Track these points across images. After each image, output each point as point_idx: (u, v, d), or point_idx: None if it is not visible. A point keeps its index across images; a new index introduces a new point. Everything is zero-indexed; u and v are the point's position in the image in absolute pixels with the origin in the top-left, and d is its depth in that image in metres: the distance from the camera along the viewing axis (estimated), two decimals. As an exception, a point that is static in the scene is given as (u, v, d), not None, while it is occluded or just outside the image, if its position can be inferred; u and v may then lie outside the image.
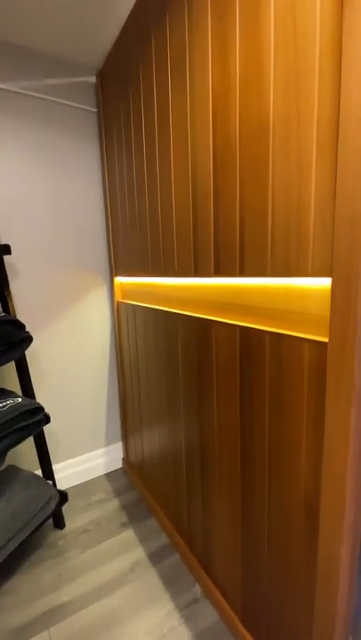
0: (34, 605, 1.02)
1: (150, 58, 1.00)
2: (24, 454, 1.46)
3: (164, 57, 0.93)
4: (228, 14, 0.69)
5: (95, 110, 1.45)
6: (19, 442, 1.06)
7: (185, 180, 0.90)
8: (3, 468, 1.28)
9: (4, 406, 1.06)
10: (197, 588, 1.05)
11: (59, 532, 1.31)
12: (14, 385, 1.35)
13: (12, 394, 1.17)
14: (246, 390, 0.76)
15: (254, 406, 0.74)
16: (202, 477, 1.00)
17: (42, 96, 1.32)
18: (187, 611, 0.99)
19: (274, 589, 0.76)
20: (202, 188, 0.84)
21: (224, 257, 0.79)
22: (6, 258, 1.32)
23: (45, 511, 1.18)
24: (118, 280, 1.53)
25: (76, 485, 1.59)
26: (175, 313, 1.03)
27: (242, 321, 0.78)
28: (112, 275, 1.55)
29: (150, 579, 1.09)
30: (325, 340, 0.56)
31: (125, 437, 1.66)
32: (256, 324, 0.74)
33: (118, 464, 1.73)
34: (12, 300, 1.25)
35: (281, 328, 0.67)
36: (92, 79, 1.44)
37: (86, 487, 1.58)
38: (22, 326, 1.15)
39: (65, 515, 1.39)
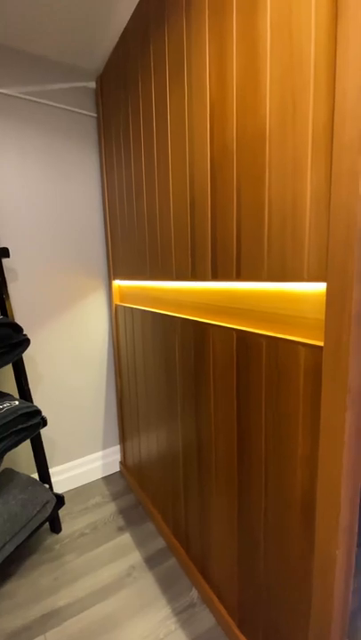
0: (30, 610, 1.02)
1: (149, 64, 1.01)
2: (21, 457, 1.45)
3: (162, 63, 0.94)
4: (225, 22, 0.70)
5: (95, 115, 1.46)
6: (15, 445, 1.06)
7: (182, 184, 0.91)
8: (-1, 471, 1.28)
9: (0, 409, 1.06)
10: (194, 592, 1.05)
11: (55, 536, 1.30)
12: (11, 388, 1.35)
13: (8, 396, 1.17)
14: (243, 394, 0.77)
15: (251, 410, 0.74)
16: (199, 481, 1.00)
17: (42, 101, 1.33)
18: (183, 615, 0.99)
19: (270, 593, 0.76)
20: (199, 193, 0.85)
21: (221, 261, 0.79)
22: (5, 261, 1.32)
23: (42, 515, 1.18)
24: (116, 283, 1.54)
25: (74, 489, 1.59)
26: (173, 316, 1.04)
27: (239, 324, 0.79)
28: (110, 278, 1.55)
29: (147, 583, 1.09)
30: (321, 343, 0.57)
31: (123, 441, 1.66)
32: (253, 327, 0.74)
33: (116, 467, 1.72)
34: (10, 302, 1.25)
35: (277, 332, 0.68)
36: (92, 84, 1.45)
37: (83, 491, 1.57)
38: (20, 329, 1.15)
39: (62, 518, 1.38)
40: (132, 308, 1.35)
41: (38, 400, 1.47)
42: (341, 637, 0.67)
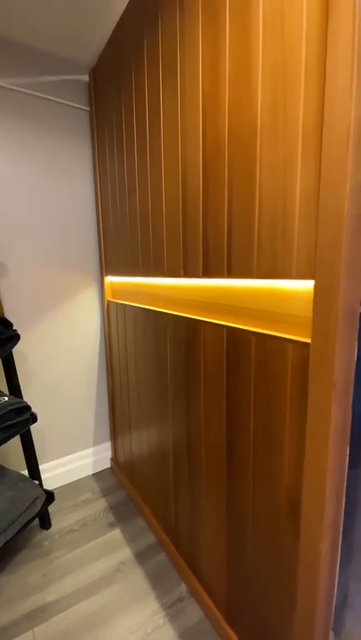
0: (18, 606, 1.01)
1: (142, 58, 1.01)
2: (10, 453, 1.44)
3: (156, 57, 0.94)
4: (218, 18, 0.70)
5: (87, 109, 1.44)
6: (4, 441, 1.05)
7: (175, 180, 0.91)
8: (-12, 467, 1.27)
9: (-11, 405, 1.05)
10: (183, 587, 1.06)
11: (45, 533, 1.30)
12: (1, 384, 1.34)
13: (-2, 392, 1.16)
14: (232, 390, 0.77)
15: (240, 406, 0.75)
16: (189, 477, 1.00)
17: (34, 93, 1.31)
18: (172, 609, 0.99)
19: (257, 587, 0.77)
20: (191, 190, 0.84)
21: (212, 258, 0.80)
22: (-5, 255, 1.31)
23: (31, 511, 1.17)
24: (108, 279, 1.53)
25: (64, 485, 1.58)
26: (164, 313, 1.03)
27: (229, 321, 0.79)
28: (102, 274, 1.55)
29: (136, 578, 1.10)
30: (308, 340, 0.57)
31: (114, 437, 1.66)
32: (243, 324, 0.75)
33: (107, 464, 1.72)
34: (-1, 297, 1.24)
35: (266, 329, 0.68)
36: (85, 77, 1.44)
37: (74, 487, 1.57)
38: (9, 324, 1.14)
39: (52, 515, 1.38)
40: (124, 304, 1.34)
41: (29, 396, 1.46)
42: (326, 630, 0.68)
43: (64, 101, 1.38)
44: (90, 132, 1.47)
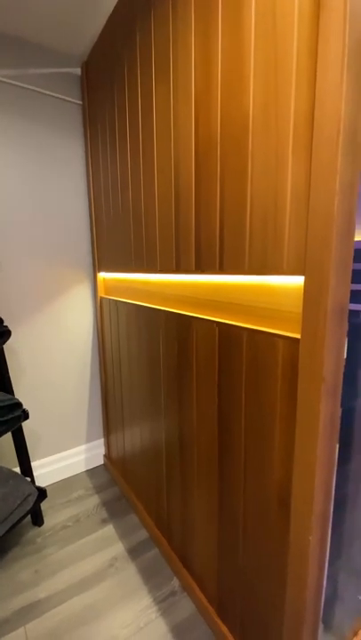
0: (9, 602, 1.01)
1: (135, 51, 1.00)
2: (2, 451, 1.43)
3: (148, 51, 0.93)
4: (211, 13, 0.69)
5: (80, 102, 1.43)
6: (-4, 438, 1.05)
7: (168, 176, 0.90)
8: (-21, 465, 1.26)
9: (-20, 402, 1.04)
10: (175, 582, 1.07)
11: (37, 529, 1.29)
12: (-7, 380, 1.33)
13: (-11, 389, 1.15)
14: (224, 386, 0.77)
15: (231, 401, 0.75)
16: (181, 472, 1.01)
17: (25, 85, 1.29)
18: (164, 604, 1.00)
19: (248, 580, 0.78)
20: (184, 185, 0.84)
21: (205, 253, 0.80)
22: (-15, 250, 1.29)
23: (23, 508, 1.17)
24: (101, 275, 1.52)
25: (57, 482, 1.58)
26: (157, 309, 1.03)
27: (221, 317, 0.79)
28: (95, 270, 1.54)
29: (129, 574, 1.10)
30: (298, 336, 0.58)
31: (107, 434, 1.66)
32: (234, 320, 0.75)
33: (100, 460, 1.72)
34: (-10, 293, 1.22)
35: (257, 324, 0.69)
36: (77, 70, 1.42)
37: (67, 484, 1.56)
38: (0, 320, 1.13)
39: (44, 512, 1.38)
40: (116, 300, 1.34)
41: (20, 393, 1.45)
42: (315, 622, 0.69)
43: (55, 94, 1.36)
44: (82, 126, 1.46)
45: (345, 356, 0.57)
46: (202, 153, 0.76)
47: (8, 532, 1.10)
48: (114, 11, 1.10)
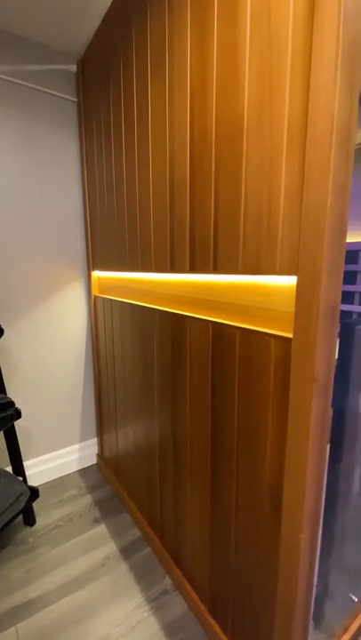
0: (0, 602, 1.00)
1: (131, 49, 0.99)
2: (-6, 450, 1.42)
3: (144, 49, 0.92)
4: (206, 11, 0.69)
5: (75, 99, 1.42)
6: (-13, 437, 1.04)
7: (162, 175, 0.90)
8: (-29, 464, 1.24)
9: (-28, 400, 1.03)
10: (168, 580, 1.07)
11: (29, 529, 1.29)
12: (-16, 379, 1.31)
13: (-19, 388, 1.14)
14: (217, 384, 0.78)
15: (224, 400, 0.76)
16: (174, 471, 1.01)
17: (20, 82, 1.28)
18: (156, 602, 1.00)
19: (239, 578, 0.79)
20: (179, 184, 0.84)
21: (199, 253, 0.80)
22: (-22, 247, 1.27)
23: (15, 508, 1.16)
24: (96, 274, 1.51)
25: (50, 482, 1.57)
26: (151, 308, 1.03)
27: (215, 317, 0.79)
28: (89, 268, 1.53)
29: (121, 572, 1.10)
30: (290, 335, 0.58)
31: (100, 433, 1.65)
32: (228, 319, 0.75)
33: (93, 460, 1.71)
34: (-17, 291, 1.21)
35: (250, 324, 0.69)
36: (73, 67, 1.41)
37: (59, 483, 1.56)
38: (-7, 318, 1.12)
39: (37, 511, 1.37)
40: (111, 299, 1.33)
41: (13, 392, 1.44)
42: (306, 620, 0.70)
43: (51, 91, 1.35)
44: (77, 122, 1.45)
45: (336, 357, 0.58)
46: (197, 152, 0.76)
47: (-1, 531, 1.09)
48: (110, 8, 1.09)
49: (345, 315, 0.78)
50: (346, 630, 0.89)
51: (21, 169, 1.34)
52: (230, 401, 0.74)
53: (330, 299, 0.53)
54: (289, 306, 0.60)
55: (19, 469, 1.30)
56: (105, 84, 1.18)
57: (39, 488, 1.51)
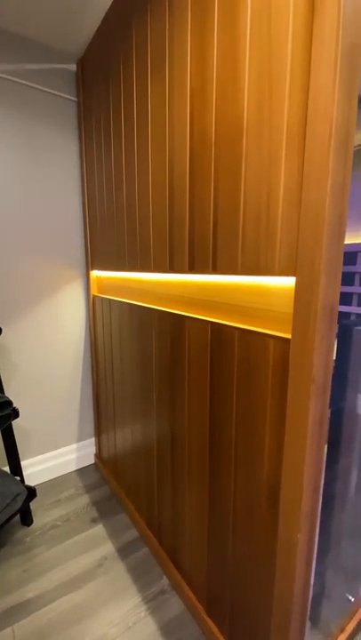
0: (-3, 603, 1.00)
1: (131, 49, 0.99)
2: (-8, 450, 1.42)
3: (144, 49, 0.92)
4: (207, 12, 0.69)
5: (75, 99, 1.42)
6: (-15, 436, 1.04)
7: (162, 175, 0.90)
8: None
9: (-31, 400, 1.03)
10: (165, 581, 1.07)
11: (26, 529, 1.28)
12: (-18, 378, 1.31)
13: (-21, 387, 1.14)
14: (216, 385, 0.78)
15: (223, 401, 0.76)
16: (172, 471, 1.01)
17: (20, 81, 1.27)
18: (153, 602, 1.00)
19: (236, 578, 0.79)
20: (178, 184, 0.84)
21: (198, 253, 0.80)
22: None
23: (12, 507, 1.16)
24: (94, 274, 1.51)
25: (47, 481, 1.57)
26: (150, 308, 1.03)
27: (214, 317, 0.79)
28: (88, 268, 1.53)
29: (119, 573, 1.10)
30: (288, 336, 0.58)
31: (98, 433, 1.65)
32: (226, 320, 0.75)
33: (91, 460, 1.71)
34: (-19, 290, 1.21)
35: (249, 324, 0.69)
36: (73, 67, 1.41)
37: (57, 483, 1.55)
38: (-9, 318, 1.12)
39: (34, 511, 1.37)
40: (109, 299, 1.33)
41: (11, 391, 1.44)
42: (303, 620, 0.70)
43: (50, 90, 1.35)
44: (77, 122, 1.45)
45: (334, 357, 0.58)
46: (196, 152, 0.77)
47: (-4, 531, 1.09)
48: (110, 8, 1.09)
49: (343, 316, 0.78)
50: (342, 630, 0.89)
51: (21, 169, 1.33)
52: (228, 401, 0.74)
53: (328, 300, 0.54)
54: (287, 307, 0.60)
55: (16, 469, 1.29)
56: (105, 83, 1.18)
57: (37, 488, 1.51)
